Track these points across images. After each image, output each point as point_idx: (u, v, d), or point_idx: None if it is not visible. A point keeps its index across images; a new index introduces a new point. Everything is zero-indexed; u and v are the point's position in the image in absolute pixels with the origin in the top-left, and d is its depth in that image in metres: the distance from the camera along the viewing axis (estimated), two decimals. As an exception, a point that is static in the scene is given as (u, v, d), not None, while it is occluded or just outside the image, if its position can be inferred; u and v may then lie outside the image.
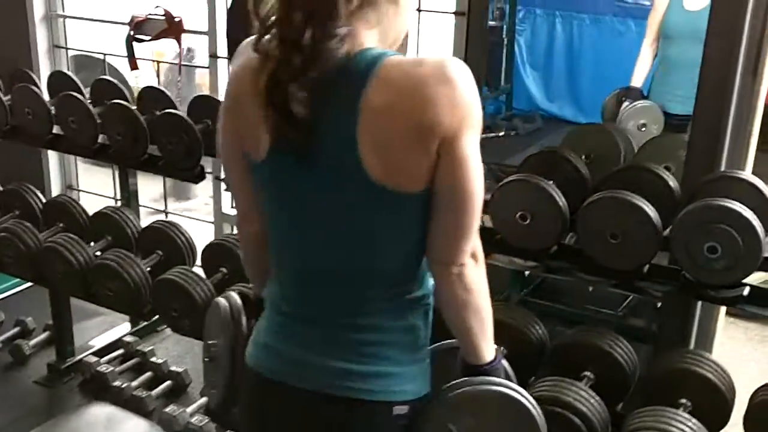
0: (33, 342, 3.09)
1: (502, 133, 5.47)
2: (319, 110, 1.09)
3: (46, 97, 3.00)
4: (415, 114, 1.08)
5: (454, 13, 2.47)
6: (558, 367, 2.08)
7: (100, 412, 1.86)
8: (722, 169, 2.09)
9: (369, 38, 1.14)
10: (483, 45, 2.51)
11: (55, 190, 3.74)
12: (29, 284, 3.09)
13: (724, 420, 1.94)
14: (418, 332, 1.25)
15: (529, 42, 6.50)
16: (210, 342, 1.44)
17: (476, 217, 1.17)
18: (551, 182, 2.23)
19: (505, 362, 1.34)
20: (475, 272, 1.20)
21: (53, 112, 2.89)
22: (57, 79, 3.15)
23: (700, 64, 2.09)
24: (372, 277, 1.20)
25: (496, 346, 1.31)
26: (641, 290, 2.18)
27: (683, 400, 1.93)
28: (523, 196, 2.09)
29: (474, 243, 1.19)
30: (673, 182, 2.10)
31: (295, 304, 1.24)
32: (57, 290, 2.82)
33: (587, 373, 2.05)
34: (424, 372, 1.27)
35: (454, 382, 1.26)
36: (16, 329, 3.19)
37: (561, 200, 2.06)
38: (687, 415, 1.80)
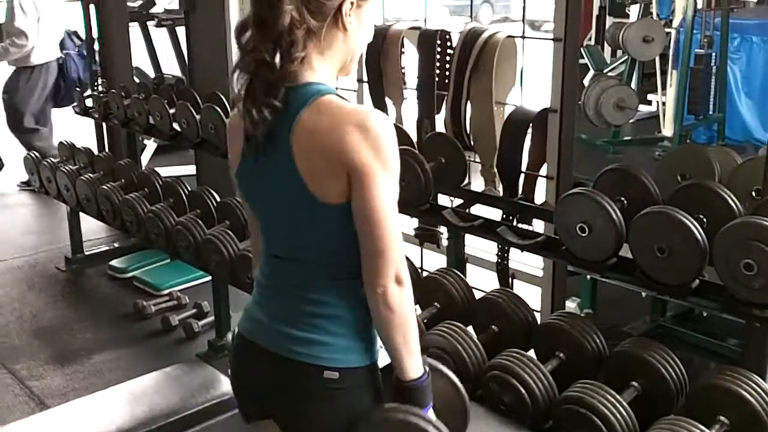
0: (202, 322, 3.66)
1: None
2: (274, 122, 1.36)
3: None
4: (328, 138, 1.34)
5: (553, 39, 2.61)
6: (609, 376, 2.15)
7: (188, 366, 2.27)
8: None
9: (318, 62, 1.41)
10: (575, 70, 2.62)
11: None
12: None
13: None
14: (358, 313, 1.43)
15: (744, 71, 6.23)
16: None
17: (391, 245, 1.35)
18: (621, 198, 2.31)
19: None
20: (398, 294, 1.37)
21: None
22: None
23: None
24: (314, 264, 1.45)
25: (426, 365, 1.45)
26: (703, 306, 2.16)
27: (722, 418, 1.92)
28: (582, 208, 2.20)
29: (398, 268, 1.37)
30: (732, 201, 2.09)
31: (267, 278, 1.53)
32: (214, 276, 3.34)
33: (634, 384, 2.10)
34: (360, 347, 1.45)
35: (381, 405, 1.44)
36: (193, 311, 3.81)
37: (616, 214, 2.14)
38: (704, 429, 1.81)
